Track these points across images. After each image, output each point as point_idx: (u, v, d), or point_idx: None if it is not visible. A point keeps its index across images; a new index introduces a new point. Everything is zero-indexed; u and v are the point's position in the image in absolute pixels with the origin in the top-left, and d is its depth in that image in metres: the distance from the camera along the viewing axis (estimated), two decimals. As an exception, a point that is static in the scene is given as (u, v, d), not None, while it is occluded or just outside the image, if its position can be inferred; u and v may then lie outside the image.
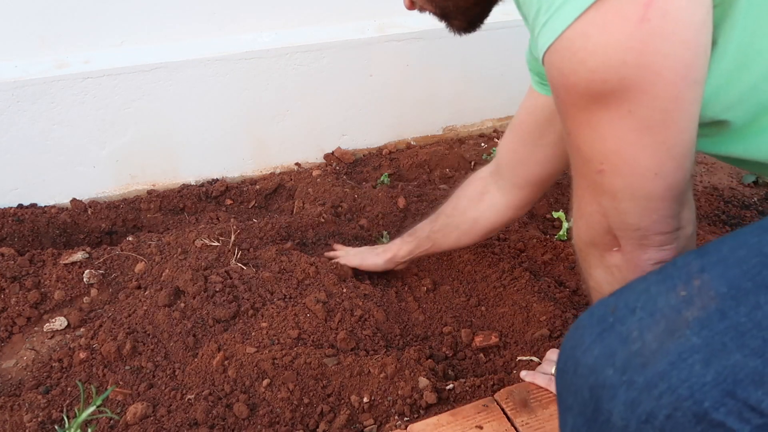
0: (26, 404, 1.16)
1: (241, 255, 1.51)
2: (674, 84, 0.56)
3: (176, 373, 1.22)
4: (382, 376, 1.15)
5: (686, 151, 0.60)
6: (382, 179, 1.97)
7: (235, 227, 1.61)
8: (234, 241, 1.55)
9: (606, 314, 0.60)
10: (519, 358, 1.22)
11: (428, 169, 2.06)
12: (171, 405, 1.16)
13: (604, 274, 0.73)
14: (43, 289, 1.45)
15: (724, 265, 0.56)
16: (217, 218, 1.79)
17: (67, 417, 1.13)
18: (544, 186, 1.15)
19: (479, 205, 1.23)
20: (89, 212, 1.78)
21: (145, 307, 1.35)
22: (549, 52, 0.59)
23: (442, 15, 0.86)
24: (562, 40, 0.57)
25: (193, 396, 1.16)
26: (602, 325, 0.59)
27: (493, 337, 1.28)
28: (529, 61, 1.06)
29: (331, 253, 1.52)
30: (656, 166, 0.60)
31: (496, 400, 1.07)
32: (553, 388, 1.07)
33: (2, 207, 1.76)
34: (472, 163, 2.05)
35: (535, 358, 1.20)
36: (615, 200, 0.64)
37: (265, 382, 1.16)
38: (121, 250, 1.56)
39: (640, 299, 0.58)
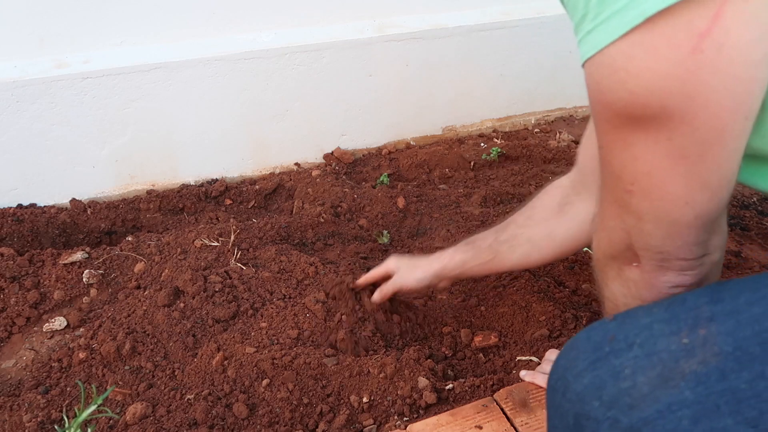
0: (26, 404, 1.16)
1: (240, 255, 1.51)
2: (719, 118, 0.53)
3: (176, 373, 1.22)
4: (381, 376, 1.15)
5: (723, 183, 0.58)
6: (381, 179, 1.97)
7: (234, 227, 1.61)
8: (233, 241, 1.55)
9: (603, 342, 0.58)
10: (518, 358, 1.22)
11: (428, 169, 2.06)
12: (170, 405, 1.16)
13: (620, 287, 0.70)
14: (42, 289, 1.45)
15: (736, 320, 0.53)
16: (217, 218, 1.79)
17: (67, 417, 1.13)
18: None
19: (559, 216, 1.07)
20: (89, 212, 1.78)
21: (144, 307, 1.35)
22: (589, 63, 0.56)
23: None
24: (603, 55, 0.54)
25: (192, 396, 1.16)
26: (597, 354, 0.58)
27: (492, 337, 1.28)
28: None
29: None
30: (687, 195, 0.57)
31: (495, 400, 1.07)
32: (552, 388, 1.06)
33: (2, 207, 1.76)
34: (472, 163, 2.05)
35: (534, 358, 1.20)
36: (640, 221, 0.62)
37: (265, 382, 1.17)
38: (121, 250, 1.56)
39: (641, 335, 0.56)
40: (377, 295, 1.27)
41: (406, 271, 1.22)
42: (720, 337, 0.52)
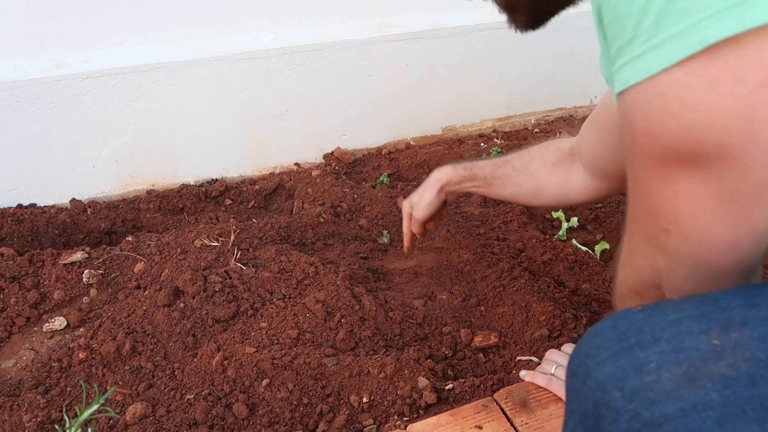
0: (25, 404, 1.16)
1: (240, 255, 1.51)
2: None
3: (176, 373, 1.23)
4: (381, 376, 1.15)
5: None
6: (381, 179, 1.97)
7: (234, 227, 1.61)
8: (233, 241, 1.55)
9: (629, 332, 0.56)
10: (518, 358, 1.22)
11: (428, 169, 2.06)
12: (170, 405, 1.16)
13: None
14: (42, 289, 1.45)
15: None
16: (217, 218, 1.79)
17: (67, 417, 1.13)
18: (622, 183, 1.08)
19: (551, 176, 1.14)
20: (88, 212, 1.78)
21: (144, 307, 1.35)
22: (635, 89, 0.51)
23: (507, 7, 0.76)
24: (655, 82, 0.49)
25: (192, 396, 1.16)
26: (621, 344, 0.56)
27: (492, 337, 1.28)
28: (604, 71, 1.02)
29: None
30: (733, 239, 0.54)
31: (495, 400, 1.07)
32: (552, 388, 1.07)
33: (1, 207, 1.76)
34: (472, 163, 2.05)
35: (534, 358, 1.20)
36: (675, 264, 0.58)
37: (265, 382, 1.17)
38: (121, 250, 1.56)
39: (669, 330, 0.54)
40: (418, 236, 1.41)
41: (418, 204, 1.33)
42: (753, 343, 0.50)
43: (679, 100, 0.48)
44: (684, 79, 0.47)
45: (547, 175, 1.15)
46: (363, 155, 2.14)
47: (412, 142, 2.20)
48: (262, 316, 1.32)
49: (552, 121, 2.37)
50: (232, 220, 1.74)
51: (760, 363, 0.49)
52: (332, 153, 2.09)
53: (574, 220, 1.71)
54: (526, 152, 1.20)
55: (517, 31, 0.77)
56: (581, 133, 1.10)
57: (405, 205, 1.38)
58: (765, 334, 0.51)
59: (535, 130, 2.32)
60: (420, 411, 1.10)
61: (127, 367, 1.24)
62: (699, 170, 0.51)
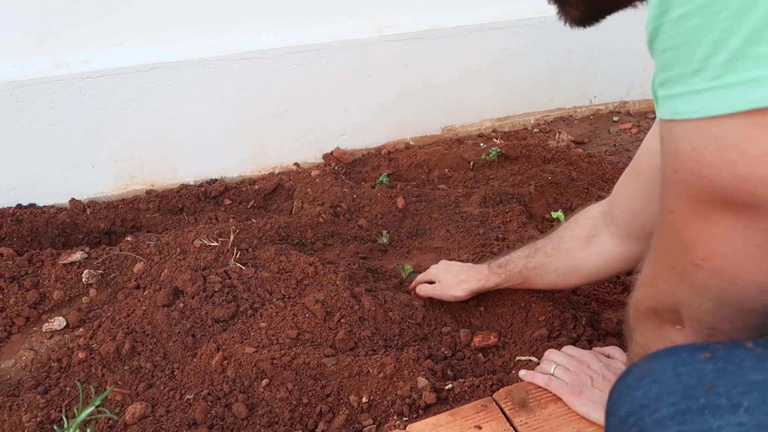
0: (25, 404, 1.16)
1: (240, 255, 1.51)
2: None
3: (175, 373, 1.22)
4: (381, 376, 1.15)
5: None
6: (381, 179, 1.97)
7: (234, 227, 1.61)
8: (233, 241, 1.55)
9: (697, 388, 0.49)
10: (518, 358, 1.22)
11: (427, 169, 2.06)
12: (170, 405, 1.16)
13: (656, 341, 0.66)
14: (41, 289, 1.45)
15: None
16: (216, 218, 1.79)
17: (66, 417, 1.13)
18: None
19: (585, 249, 1.09)
20: (88, 212, 1.78)
21: (144, 307, 1.35)
22: (687, 124, 0.49)
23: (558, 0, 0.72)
24: (714, 124, 0.47)
25: (191, 396, 1.16)
26: (688, 402, 0.49)
27: (492, 337, 1.28)
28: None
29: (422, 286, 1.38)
30: (766, 284, 0.52)
31: (495, 400, 1.07)
32: (552, 388, 1.06)
33: (1, 207, 1.76)
34: (471, 163, 2.05)
35: (533, 358, 1.20)
36: (700, 297, 0.56)
37: (264, 382, 1.17)
38: (120, 250, 1.56)
39: (750, 396, 0.47)
40: (419, 292, 1.38)
41: (447, 286, 1.32)
42: None
43: (737, 150, 0.46)
44: (749, 129, 0.45)
45: (583, 250, 1.10)
46: (362, 155, 2.14)
47: (411, 142, 2.20)
48: (261, 316, 1.32)
49: (551, 121, 2.37)
50: (231, 220, 1.74)
51: None
52: (332, 153, 2.09)
53: (574, 220, 1.70)
54: (556, 234, 1.16)
55: (568, 24, 0.72)
56: (615, 189, 1.06)
57: (435, 274, 1.35)
58: None
59: (535, 130, 2.32)
60: (419, 411, 1.10)
61: (126, 367, 1.24)
62: (743, 217, 0.50)
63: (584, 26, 0.71)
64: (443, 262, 1.39)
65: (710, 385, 0.49)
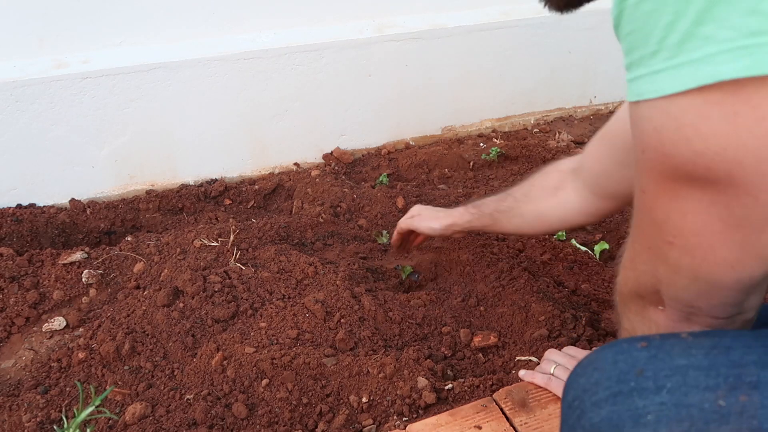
0: (25, 404, 1.16)
1: (240, 255, 1.51)
2: None
3: (175, 373, 1.22)
4: (381, 376, 1.15)
5: None
6: (380, 179, 1.97)
7: (234, 227, 1.61)
8: (233, 241, 1.55)
9: (629, 372, 0.53)
10: (518, 358, 1.22)
11: (427, 169, 2.06)
12: (170, 405, 1.16)
13: (641, 325, 0.67)
14: (41, 289, 1.44)
15: None
16: (216, 218, 1.79)
17: (66, 417, 1.13)
18: (624, 202, 1.06)
19: (551, 199, 1.16)
20: (88, 212, 1.78)
21: (143, 307, 1.35)
22: (648, 105, 0.51)
23: None
24: (671, 102, 0.48)
25: (191, 396, 1.16)
26: (621, 386, 0.53)
27: (491, 337, 1.28)
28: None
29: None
30: (735, 260, 0.53)
31: (494, 400, 1.07)
32: (551, 387, 1.07)
33: (1, 207, 1.76)
34: (471, 163, 2.05)
35: (533, 358, 1.20)
36: (675, 274, 0.58)
37: (264, 382, 1.17)
38: (120, 250, 1.56)
39: (673, 379, 0.51)
40: (396, 230, 1.48)
41: (425, 217, 1.40)
42: (761, 412, 0.47)
43: (693, 127, 0.48)
44: (701, 106, 0.47)
45: (548, 199, 1.16)
46: (362, 155, 2.14)
47: (411, 142, 2.20)
48: (261, 316, 1.32)
49: (551, 121, 2.37)
50: (231, 220, 1.74)
51: None
52: (332, 153, 2.09)
53: (574, 220, 1.70)
54: (528, 181, 1.22)
55: (549, 10, 0.73)
56: (588, 149, 1.09)
57: (415, 209, 1.44)
58: None
59: (535, 130, 2.32)
60: (419, 411, 1.10)
61: (126, 367, 1.24)
62: (708, 192, 0.51)
63: (563, 11, 0.73)
64: (419, 205, 1.49)
65: (641, 369, 0.53)
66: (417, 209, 1.44)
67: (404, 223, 1.44)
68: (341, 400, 1.14)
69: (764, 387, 0.49)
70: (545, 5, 0.73)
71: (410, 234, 1.48)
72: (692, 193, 0.52)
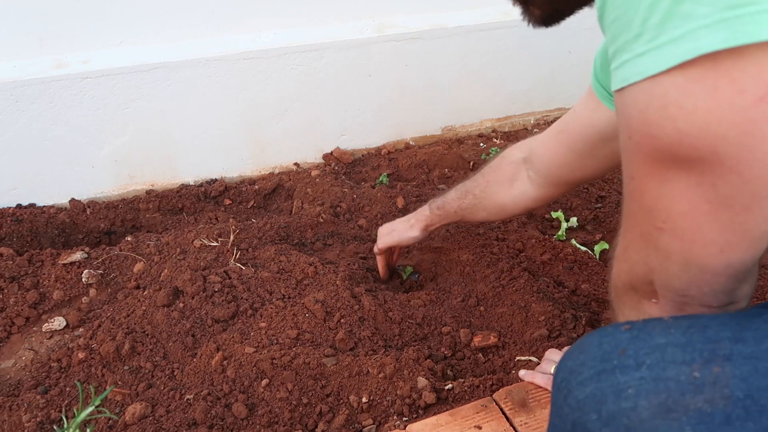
0: (25, 404, 1.16)
1: (239, 255, 1.51)
2: None
3: (175, 373, 1.22)
4: (380, 376, 1.15)
5: (765, 236, 0.53)
6: (380, 179, 1.97)
7: (233, 227, 1.61)
8: (233, 241, 1.55)
9: (613, 353, 0.56)
10: (518, 358, 1.22)
11: (427, 169, 2.06)
12: (170, 405, 1.16)
13: (636, 318, 0.67)
14: (41, 289, 1.44)
15: (754, 366, 0.50)
16: (216, 218, 1.79)
17: (66, 417, 1.13)
18: (576, 186, 1.16)
19: (509, 191, 1.25)
20: (88, 212, 1.78)
21: (143, 307, 1.35)
22: (634, 88, 0.51)
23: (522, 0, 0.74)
24: (654, 83, 0.49)
25: (191, 396, 1.16)
26: (604, 365, 0.56)
27: (491, 337, 1.28)
28: (597, 66, 1.00)
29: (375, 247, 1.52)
30: (724, 242, 0.53)
31: (494, 400, 1.07)
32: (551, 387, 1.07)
33: (1, 207, 1.76)
34: (471, 163, 2.05)
35: (533, 358, 1.20)
36: (666, 261, 0.58)
37: (264, 382, 1.17)
38: (120, 250, 1.56)
39: (652, 356, 0.54)
40: (378, 260, 1.53)
41: (400, 231, 1.44)
42: (733, 381, 0.50)
43: (676, 105, 0.48)
44: (683, 83, 0.47)
45: (507, 191, 1.26)
46: (362, 155, 2.14)
47: (411, 142, 2.20)
48: (261, 316, 1.32)
49: (551, 121, 2.37)
50: (231, 220, 1.74)
51: (737, 402, 0.49)
52: (332, 153, 2.09)
53: (573, 220, 1.71)
54: (482, 177, 1.31)
55: (530, 24, 0.75)
56: (542, 141, 1.17)
57: (384, 230, 1.48)
58: (747, 373, 0.50)
59: (535, 130, 2.32)
60: (419, 411, 1.10)
61: (126, 367, 1.24)
62: (694, 173, 0.51)
63: (546, 26, 0.74)
64: (384, 225, 1.52)
65: (623, 349, 0.56)
66: (386, 228, 1.48)
67: (383, 243, 1.46)
68: (341, 400, 1.14)
69: (736, 358, 0.51)
70: (528, 23, 0.75)
71: (390, 255, 1.54)
72: (679, 174, 0.52)
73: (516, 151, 1.25)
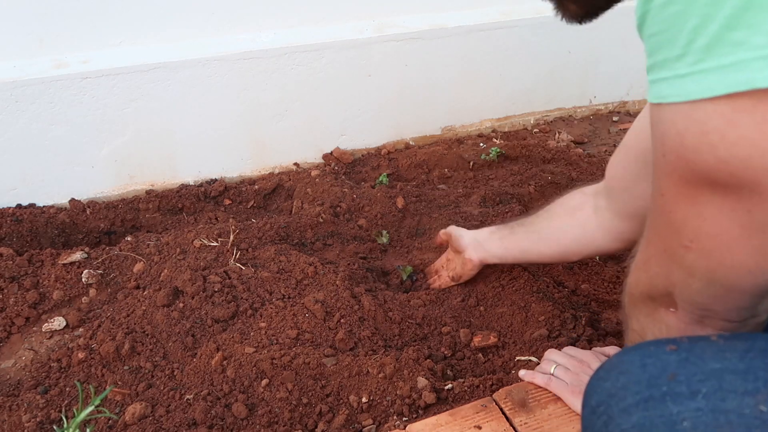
0: (25, 404, 1.16)
1: (239, 255, 1.51)
2: None
3: (175, 373, 1.22)
4: (380, 376, 1.15)
5: None
6: (380, 179, 1.97)
7: (233, 227, 1.61)
8: (233, 241, 1.55)
9: (661, 377, 0.51)
10: (518, 358, 1.22)
11: (427, 169, 2.06)
12: (170, 405, 1.15)
13: (651, 326, 0.66)
14: (41, 289, 1.44)
15: None
16: (216, 218, 1.79)
17: (66, 417, 1.13)
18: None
19: (568, 218, 1.17)
20: (88, 212, 1.78)
21: (143, 307, 1.35)
22: (671, 108, 0.50)
23: None
24: (695, 108, 0.47)
25: (191, 396, 1.16)
26: (652, 391, 0.51)
27: (491, 337, 1.28)
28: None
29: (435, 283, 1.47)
30: (754, 265, 0.52)
31: (494, 400, 1.07)
32: (552, 387, 1.07)
33: (1, 207, 1.76)
34: (471, 163, 2.05)
35: (533, 358, 1.20)
36: (690, 278, 0.57)
37: (264, 382, 1.17)
38: (120, 250, 1.56)
39: (708, 383, 0.49)
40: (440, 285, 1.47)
41: (473, 251, 1.35)
42: None
43: (718, 133, 0.47)
44: (729, 113, 0.46)
45: (566, 218, 1.16)
46: (362, 155, 2.13)
47: (411, 142, 2.20)
48: (261, 316, 1.32)
49: (551, 121, 2.37)
50: (231, 220, 1.74)
51: None
52: (331, 153, 2.09)
53: (574, 220, 1.70)
54: (553, 203, 1.23)
55: (564, 20, 0.72)
56: (608, 167, 1.08)
57: (459, 233, 1.39)
58: None
59: (535, 130, 2.32)
60: (419, 411, 1.10)
61: (126, 367, 1.24)
62: (729, 199, 0.50)
63: (581, 22, 0.71)
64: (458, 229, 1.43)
65: (673, 374, 0.51)
66: (465, 236, 1.40)
67: (445, 282, 1.44)
68: (341, 400, 1.14)
69: None
70: (562, 18, 0.72)
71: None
72: (713, 198, 0.51)
73: (590, 186, 1.17)
